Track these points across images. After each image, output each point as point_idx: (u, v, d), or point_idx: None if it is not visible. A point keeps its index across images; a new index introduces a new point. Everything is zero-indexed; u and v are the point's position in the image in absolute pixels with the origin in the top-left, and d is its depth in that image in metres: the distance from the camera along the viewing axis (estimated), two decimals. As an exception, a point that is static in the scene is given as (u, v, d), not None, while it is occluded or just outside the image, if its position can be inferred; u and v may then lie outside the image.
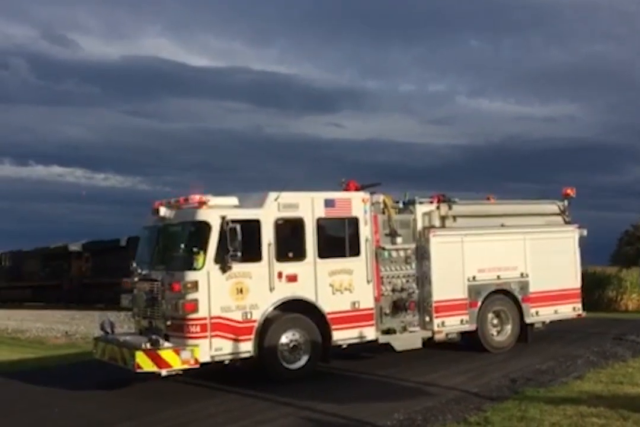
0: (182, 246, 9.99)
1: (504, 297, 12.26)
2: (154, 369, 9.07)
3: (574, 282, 13.18)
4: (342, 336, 10.44)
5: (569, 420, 7.34)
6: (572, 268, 13.16)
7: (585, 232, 13.37)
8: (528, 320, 12.45)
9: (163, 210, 10.23)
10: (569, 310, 13.10)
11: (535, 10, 74.12)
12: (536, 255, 12.51)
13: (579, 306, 13.21)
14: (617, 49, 73.21)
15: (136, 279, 10.37)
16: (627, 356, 11.51)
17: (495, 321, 12.24)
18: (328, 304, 10.32)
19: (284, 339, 9.95)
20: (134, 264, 10.58)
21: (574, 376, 9.76)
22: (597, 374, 9.89)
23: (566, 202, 13.51)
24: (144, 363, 9.01)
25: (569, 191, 13.45)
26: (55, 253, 36.48)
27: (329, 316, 10.28)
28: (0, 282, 40.87)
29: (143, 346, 9.13)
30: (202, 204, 9.78)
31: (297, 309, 10.11)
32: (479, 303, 11.86)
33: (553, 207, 13.47)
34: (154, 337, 9.24)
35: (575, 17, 73.92)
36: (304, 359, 10.10)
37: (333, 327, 10.30)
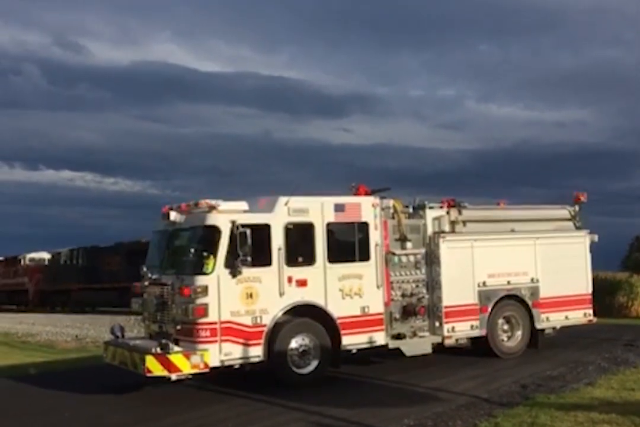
0: (192, 250, 10.01)
1: (514, 303, 12.20)
2: (164, 373, 9.08)
3: (585, 287, 13.11)
4: (351, 340, 10.43)
5: (580, 426, 7.30)
6: (582, 274, 13.09)
7: (596, 238, 13.30)
8: (538, 325, 12.39)
9: (173, 215, 10.25)
10: (580, 316, 13.02)
11: (544, 14, 74.05)
12: (547, 260, 12.46)
13: (590, 311, 13.14)
14: (627, 53, 73.02)
15: (146, 283, 10.41)
16: (638, 362, 11.41)
17: (505, 327, 12.18)
18: (338, 309, 10.31)
19: (294, 343, 9.95)
20: (144, 268, 10.63)
21: (585, 382, 9.70)
22: (608, 381, 9.82)
23: (577, 208, 13.45)
24: (154, 367, 9.02)
25: (580, 196, 13.40)
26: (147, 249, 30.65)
27: (338, 321, 10.27)
28: (71, 283, 34.67)
29: (153, 350, 9.14)
30: (212, 208, 9.80)
31: (307, 314, 10.11)
32: (489, 308, 11.81)
33: (564, 212, 13.41)
34: (163, 341, 9.26)
35: (584, 22, 73.80)
36: (313, 364, 10.09)
37: (343, 332, 10.29)
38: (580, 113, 79.50)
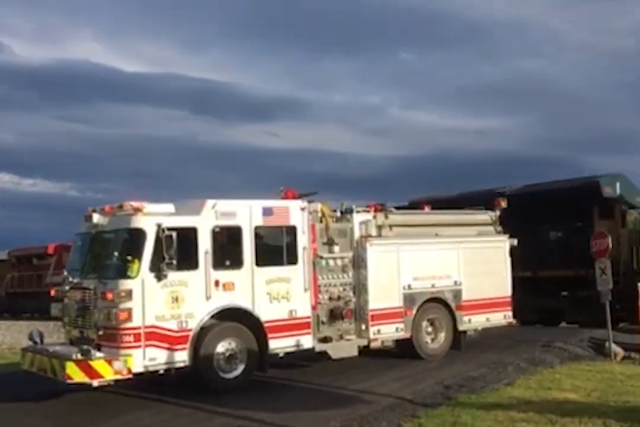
0: (116, 253, 9.81)
1: (438, 306, 12.47)
2: (85, 379, 8.83)
3: (505, 290, 13.52)
4: (279, 344, 10.41)
5: (500, 425, 7.53)
6: (503, 277, 13.49)
7: (515, 242, 13.74)
8: (461, 327, 12.70)
9: (96, 217, 10.01)
10: (500, 318, 13.42)
11: (466, 26, 76.17)
12: (469, 264, 12.79)
13: (510, 313, 13.55)
14: (545, 65, 75.96)
15: (67, 287, 10.11)
16: (555, 362, 11.89)
17: (429, 329, 12.42)
18: (265, 313, 10.28)
19: (220, 348, 9.85)
20: (65, 272, 10.33)
21: (504, 383, 10.01)
22: (526, 380, 10.17)
23: (497, 213, 13.87)
24: (75, 374, 8.77)
25: (500, 202, 13.83)
26: None
27: (266, 325, 10.24)
28: None
29: (74, 356, 8.88)
30: (137, 211, 9.61)
31: (234, 318, 10.04)
32: (414, 311, 12.02)
33: (485, 217, 13.81)
34: (85, 347, 9.01)
35: (504, 34, 76.33)
36: (240, 368, 10.02)
37: (270, 335, 10.26)
38: (500, 122, 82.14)
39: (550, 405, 8.44)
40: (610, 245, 12.54)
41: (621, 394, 9.05)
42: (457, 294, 12.66)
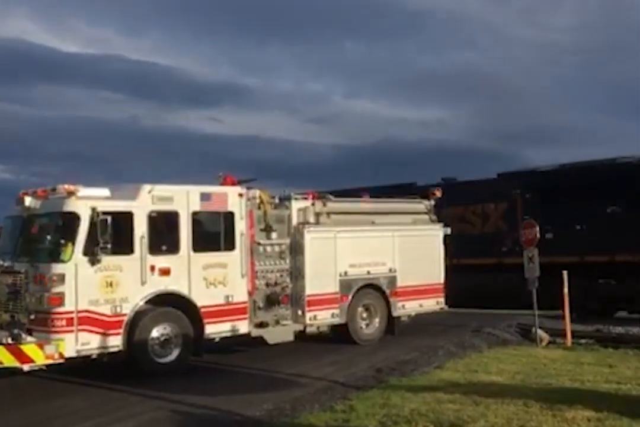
0: (49, 237, 9.67)
1: (373, 292, 12.72)
2: (16, 364, 8.71)
3: (438, 277, 13.89)
4: (215, 329, 10.46)
5: (427, 406, 7.75)
6: (436, 264, 13.85)
7: (448, 231, 14.11)
8: (395, 313, 13.00)
9: (28, 200, 9.85)
10: (433, 304, 13.79)
11: (406, 17, 76.42)
12: (404, 251, 13.07)
13: (442, 299, 13.94)
14: (481, 57, 77.04)
15: (-2, 271, 9.91)
16: (483, 346, 12.30)
17: (364, 315, 12.67)
18: (201, 298, 10.29)
19: (155, 333, 9.83)
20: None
21: (434, 366, 10.30)
22: (455, 364, 10.49)
23: (432, 202, 14.21)
24: (5, 358, 8.63)
25: (435, 191, 14.16)
26: None
27: (202, 310, 10.26)
28: None
29: (4, 340, 8.76)
30: (71, 194, 9.47)
31: (170, 303, 10.03)
32: (350, 297, 12.24)
33: (420, 206, 14.12)
34: (15, 331, 8.90)
35: (444, 26, 77.00)
36: (175, 353, 10.02)
37: (206, 320, 10.29)
38: (440, 113, 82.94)
39: (476, 387, 8.73)
40: (538, 235, 12.91)
41: (543, 377, 9.44)
42: (392, 280, 12.93)
